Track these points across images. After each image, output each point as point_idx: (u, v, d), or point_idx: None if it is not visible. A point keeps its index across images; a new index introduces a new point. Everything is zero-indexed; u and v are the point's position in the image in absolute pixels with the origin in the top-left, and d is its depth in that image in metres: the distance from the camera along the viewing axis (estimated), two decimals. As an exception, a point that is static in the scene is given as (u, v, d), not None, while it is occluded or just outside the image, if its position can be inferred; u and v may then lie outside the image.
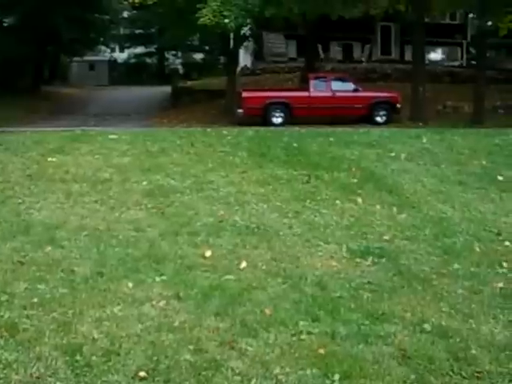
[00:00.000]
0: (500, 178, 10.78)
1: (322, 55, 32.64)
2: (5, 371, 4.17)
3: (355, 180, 10.27)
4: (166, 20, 27.92)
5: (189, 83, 35.98)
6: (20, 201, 8.59)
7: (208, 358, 4.43)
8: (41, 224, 7.54)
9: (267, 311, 5.22)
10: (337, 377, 4.23)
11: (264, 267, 6.36)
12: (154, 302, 5.34)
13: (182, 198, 8.91)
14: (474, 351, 4.65)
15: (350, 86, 22.57)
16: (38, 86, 35.48)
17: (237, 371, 4.27)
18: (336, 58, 33.38)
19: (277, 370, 4.30)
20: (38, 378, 4.13)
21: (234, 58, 27.29)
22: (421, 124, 20.38)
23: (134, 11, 41.39)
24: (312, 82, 22.49)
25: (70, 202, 8.60)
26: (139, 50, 51.02)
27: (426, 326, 5.04)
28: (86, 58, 44.51)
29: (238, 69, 30.33)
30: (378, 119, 21.87)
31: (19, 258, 6.37)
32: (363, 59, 34.17)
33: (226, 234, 7.39)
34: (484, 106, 22.72)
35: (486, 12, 23.33)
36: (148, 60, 52.53)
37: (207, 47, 46.36)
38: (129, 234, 7.30)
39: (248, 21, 22.41)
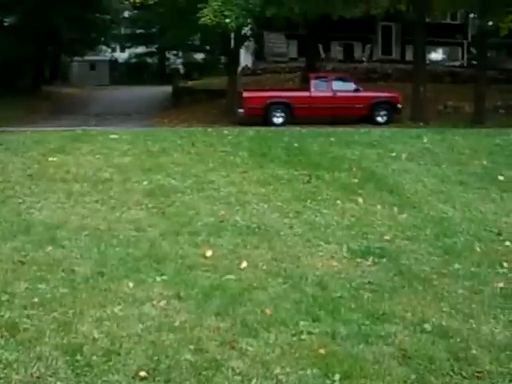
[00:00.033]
0: (501, 177, 10.78)
1: (322, 55, 32.63)
2: (5, 371, 4.18)
3: (356, 180, 10.27)
4: (167, 20, 27.93)
5: (190, 83, 35.99)
6: (20, 200, 8.59)
7: (208, 357, 4.43)
8: (41, 224, 7.55)
9: (268, 311, 5.22)
10: (337, 377, 4.23)
11: (265, 267, 6.36)
12: (154, 302, 5.34)
13: (183, 198, 8.92)
14: (474, 351, 4.65)
15: (351, 85, 22.56)
16: (38, 86, 35.49)
17: (237, 371, 4.27)
18: (337, 58, 33.36)
19: (277, 370, 4.30)
20: (38, 377, 4.13)
21: (234, 58, 27.28)
22: (422, 124, 20.37)
23: (135, 11, 41.41)
24: (313, 82, 22.48)
25: (71, 202, 8.60)
26: (140, 49, 51.02)
27: (427, 326, 5.05)
28: (87, 57, 44.49)
29: (239, 69, 30.34)
30: (379, 119, 21.86)
31: (20, 257, 6.38)
32: (364, 59, 34.15)
33: (227, 234, 7.40)
34: (485, 106, 22.71)
35: (486, 12, 23.32)
36: (149, 60, 52.51)
37: (208, 47, 46.35)
38: (129, 233, 7.30)
39: (249, 20, 22.40)
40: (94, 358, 4.36)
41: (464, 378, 4.31)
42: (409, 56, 29.75)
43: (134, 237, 7.19)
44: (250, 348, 4.59)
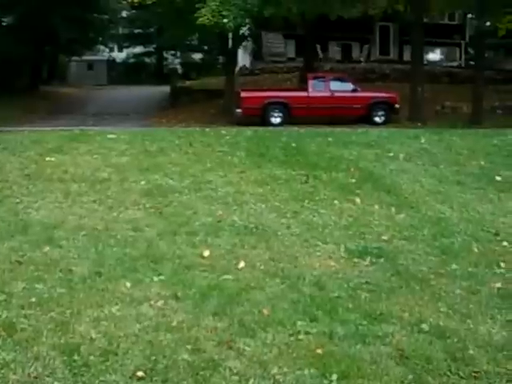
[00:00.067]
0: (498, 178, 10.79)
1: (320, 55, 32.64)
2: (2, 371, 4.17)
3: (353, 180, 10.27)
4: (165, 20, 27.93)
5: (187, 83, 35.97)
6: (18, 200, 8.58)
7: (206, 357, 4.43)
8: (39, 224, 7.54)
9: (265, 311, 5.22)
10: (334, 377, 4.23)
11: (262, 267, 6.36)
12: (152, 302, 5.34)
13: (181, 198, 8.91)
14: (471, 351, 4.66)
15: (349, 86, 22.60)
16: (36, 86, 35.47)
17: (234, 371, 4.27)
18: (335, 58, 33.39)
19: (274, 370, 4.30)
20: (35, 377, 4.12)
21: (232, 58, 27.29)
22: (419, 124, 20.39)
23: (133, 11, 41.41)
24: (311, 82, 22.50)
25: (69, 202, 8.59)
26: (138, 49, 51.01)
27: (424, 326, 5.05)
28: (85, 57, 44.54)
29: (237, 69, 30.34)
30: (377, 119, 21.89)
31: (17, 257, 6.37)
32: (362, 59, 34.18)
33: (225, 234, 7.39)
34: (482, 106, 22.73)
35: (484, 12, 23.34)
36: (147, 60, 52.52)
37: (206, 47, 46.37)
38: (127, 233, 7.30)
39: (247, 20, 22.44)
40: (92, 357, 4.36)
41: (461, 378, 4.31)
42: (407, 56, 29.82)
43: (132, 237, 7.19)
44: (247, 348, 4.59)
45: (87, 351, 4.44)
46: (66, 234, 7.19)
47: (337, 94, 21.93)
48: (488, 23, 23.76)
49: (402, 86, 23.49)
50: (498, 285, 6.04)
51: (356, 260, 6.70)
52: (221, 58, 38.28)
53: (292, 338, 4.77)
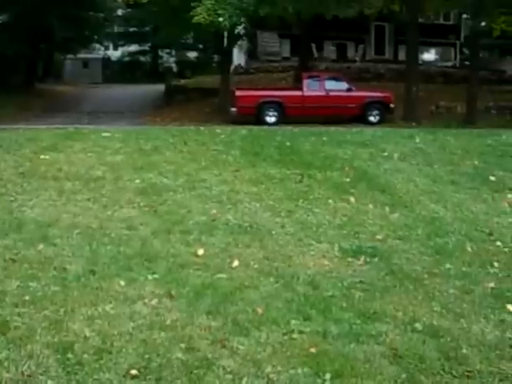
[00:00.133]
0: (492, 178, 10.82)
1: (315, 54, 32.65)
2: (-4, 369, 4.17)
3: (348, 179, 10.29)
4: (161, 18, 27.89)
5: (182, 81, 35.91)
6: (12, 198, 8.56)
7: (200, 356, 4.43)
8: (33, 222, 7.53)
9: (259, 310, 5.22)
10: (328, 376, 4.24)
11: (256, 266, 6.36)
12: (146, 301, 5.34)
13: (175, 197, 8.91)
14: (464, 350, 4.67)
15: (344, 85, 22.62)
16: (31, 84, 35.36)
17: (228, 370, 4.28)
18: (330, 58, 33.40)
19: (268, 369, 4.30)
20: (29, 376, 4.12)
21: (227, 57, 27.28)
22: (414, 124, 20.44)
23: (129, 9, 41.27)
24: (305, 82, 22.51)
25: (63, 200, 8.58)
26: (133, 48, 50.91)
27: (418, 326, 5.06)
28: (80, 55, 44.37)
29: (232, 67, 30.32)
30: (371, 119, 21.93)
31: (11, 255, 6.36)
32: (357, 59, 34.20)
33: (219, 233, 7.40)
34: (477, 106, 22.80)
35: (479, 13, 23.42)
36: (142, 58, 52.42)
37: (201, 46, 46.32)
38: (121, 232, 7.29)
39: (242, 20, 22.42)
40: (85, 356, 4.36)
41: (454, 377, 4.33)
42: (402, 56, 29.82)
43: (126, 235, 7.18)
44: (241, 347, 4.60)
45: (81, 349, 4.44)
46: (60, 232, 7.18)
47: (331, 94, 21.96)
48: (483, 23, 23.84)
49: (396, 86, 23.54)
50: (492, 284, 6.06)
51: (350, 259, 6.71)
52: (216, 57, 38.28)
53: (286, 337, 4.77)
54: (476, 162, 12.01)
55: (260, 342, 4.67)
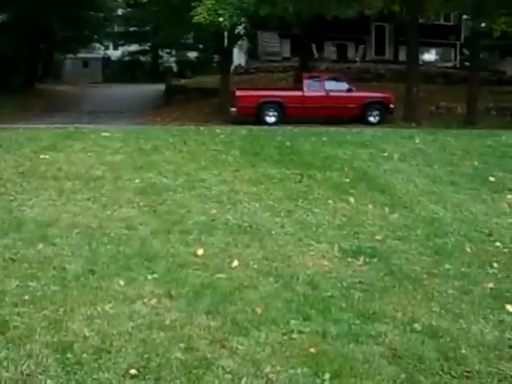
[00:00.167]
0: (492, 178, 10.82)
1: (316, 55, 32.66)
2: (-5, 368, 4.17)
3: (348, 180, 10.29)
4: (161, 18, 27.90)
5: (182, 81, 35.94)
6: (12, 198, 8.57)
7: (199, 356, 4.43)
8: (33, 221, 7.53)
9: (258, 310, 5.22)
10: (327, 376, 4.24)
11: (256, 266, 6.36)
12: (145, 300, 5.34)
13: (175, 196, 8.91)
14: (463, 351, 4.67)
15: (344, 85, 22.62)
16: (31, 83, 35.35)
17: (227, 370, 4.28)
18: (330, 58, 33.41)
19: (267, 369, 4.30)
20: (28, 375, 4.12)
21: (228, 57, 27.29)
22: (414, 124, 20.43)
23: (129, 9, 41.30)
24: (306, 82, 22.51)
25: (62, 200, 8.58)
26: (133, 47, 50.92)
27: (417, 326, 5.06)
28: (80, 55, 44.38)
29: (232, 67, 30.34)
30: (372, 119, 21.93)
31: (11, 255, 6.36)
32: (357, 59, 34.21)
33: (218, 233, 7.40)
34: (477, 107, 22.81)
35: (480, 13, 23.43)
36: (142, 58, 52.43)
37: (201, 45, 46.33)
38: (121, 231, 7.29)
39: (242, 19, 22.42)
40: (85, 355, 4.36)
41: (453, 377, 4.33)
42: (402, 56, 29.83)
43: (126, 235, 7.19)
44: (240, 347, 4.60)
45: (80, 349, 4.44)
46: (59, 231, 7.18)
47: (332, 94, 21.96)
48: (483, 24, 23.83)
49: (397, 86, 23.55)
50: (491, 285, 6.06)
51: (349, 259, 6.71)
52: (216, 57, 38.28)
53: (285, 337, 4.78)
54: (476, 163, 12.01)
55: (259, 342, 4.67)
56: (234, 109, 21.58)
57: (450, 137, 14.92)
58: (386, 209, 8.77)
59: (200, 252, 6.65)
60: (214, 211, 8.25)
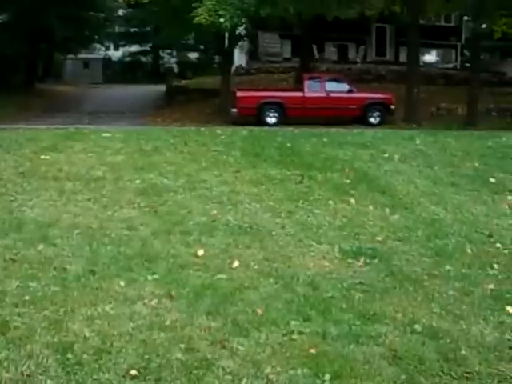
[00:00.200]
0: (492, 180, 10.82)
1: (316, 56, 32.68)
2: (-5, 369, 4.17)
3: (348, 181, 10.29)
4: (162, 19, 27.92)
5: (183, 82, 35.96)
6: (12, 198, 8.57)
7: (199, 357, 4.43)
8: (33, 222, 7.53)
9: (259, 311, 5.22)
10: (327, 377, 4.24)
11: (256, 267, 6.36)
12: (145, 301, 5.34)
13: (175, 197, 8.91)
14: (464, 352, 4.67)
15: (345, 86, 22.63)
16: (31, 84, 35.36)
17: (228, 370, 4.28)
18: (331, 59, 33.42)
19: (268, 370, 4.30)
20: (28, 375, 4.12)
21: (228, 58, 27.31)
22: (414, 125, 20.43)
23: (130, 9, 41.32)
24: (306, 83, 22.53)
25: (63, 200, 8.58)
26: (134, 48, 50.93)
27: (417, 327, 5.06)
28: (81, 55, 44.36)
29: (233, 68, 30.35)
30: (372, 120, 21.93)
31: (11, 255, 6.36)
32: (358, 60, 34.22)
33: (219, 234, 7.40)
34: (477, 108, 22.82)
35: (480, 15, 23.44)
36: (143, 58, 52.44)
37: (202, 46, 46.36)
38: (121, 232, 7.30)
39: (243, 20, 22.44)
40: (85, 356, 4.36)
41: (453, 378, 4.33)
42: (403, 57, 29.87)
43: (126, 235, 7.19)
44: (240, 347, 4.60)
45: (80, 350, 4.44)
46: (60, 232, 7.18)
47: (332, 95, 21.97)
48: (484, 25, 23.84)
49: (397, 87, 23.56)
50: (491, 286, 6.07)
51: (350, 260, 6.71)
52: (217, 58, 38.27)
53: (285, 338, 4.78)
54: (476, 164, 12.01)
55: (260, 343, 4.67)
56: (234, 109, 21.59)
57: (451, 138, 14.92)
58: (387, 210, 8.77)
59: (200, 253, 6.65)
60: (215, 212, 8.25)
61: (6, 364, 4.22)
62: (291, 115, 21.11)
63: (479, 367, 4.47)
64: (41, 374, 4.14)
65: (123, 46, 51.24)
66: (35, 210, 8.10)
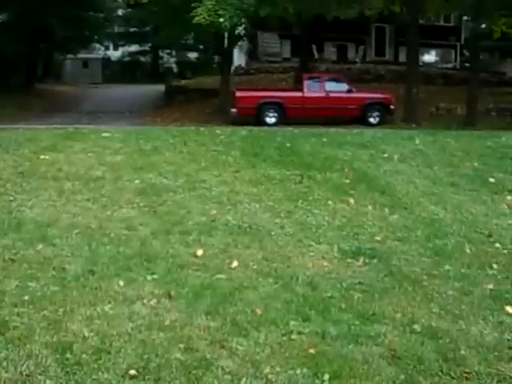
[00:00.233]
0: (492, 180, 10.83)
1: (316, 55, 32.68)
2: (-5, 369, 4.17)
3: (348, 181, 10.29)
4: (161, 18, 27.93)
5: (183, 82, 35.95)
6: (11, 198, 8.56)
7: (198, 356, 4.43)
8: (32, 222, 7.53)
9: (258, 311, 5.22)
10: (327, 377, 4.24)
11: (255, 267, 6.37)
12: (145, 301, 5.34)
13: (175, 197, 8.91)
14: (463, 352, 4.68)
15: (344, 86, 22.62)
16: (31, 83, 35.35)
17: (227, 370, 4.28)
18: (330, 59, 33.42)
19: (267, 370, 4.30)
20: (28, 375, 4.12)
21: (228, 58, 27.29)
22: (414, 125, 20.43)
23: (129, 9, 41.31)
24: (306, 83, 22.52)
25: (62, 200, 8.58)
26: (133, 48, 50.93)
27: (416, 327, 5.06)
28: (80, 55, 44.36)
29: (232, 68, 30.34)
30: (372, 120, 21.93)
31: (10, 255, 6.36)
32: (357, 60, 34.22)
33: (218, 234, 7.40)
34: (477, 108, 22.81)
35: (480, 14, 23.44)
36: (142, 58, 52.44)
37: (202, 46, 46.34)
38: (121, 232, 7.29)
39: (243, 20, 22.44)
40: (84, 356, 4.36)
41: (452, 378, 4.33)
42: (402, 57, 29.84)
43: (125, 235, 7.19)
44: (239, 347, 4.60)
45: (80, 349, 4.44)
46: (59, 232, 7.18)
47: (332, 95, 21.97)
48: (483, 25, 23.85)
49: (397, 87, 23.57)
50: (490, 286, 6.07)
51: (349, 260, 6.72)
52: (216, 58, 38.29)
53: (285, 338, 4.78)
54: (476, 164, 12.01)
55: (259, 343, 4.68)
56: (234, 109, 21.59)
57: (450, 138, 14.91)
58: (386, 210, 8.77)
59: (200, 253, 6.65)
60: (214, 212, 8.25)
61: (5, 364, 4.22)
62: (291, 115, 21.11)
63: (478, 367, 4.47)
64: (40, 374, 4.14)
65: (122, 45, 51.24)
66: (34, 209, 8.10)
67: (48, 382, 4.07)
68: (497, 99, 25.14)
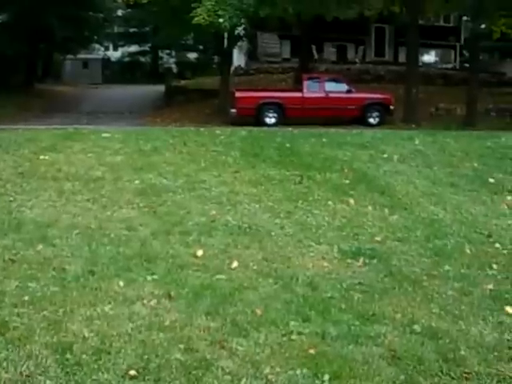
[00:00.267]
0: (491, 180, 10.83)
1: (315, 56, 32.69)
2: (-5, 369, 4.17)
3: (347, 181, 10.29)
4: (161, 19, 27.92)
5: (182, 82, 35.96)
6: (11, 198, 8.56)
7: (198, 357, 4.44)
8: (32, 222, 7.53)
9: (258, 311, 5.22)
10: (327, 377, 4.24)
11: (255, 267, 6.37)
12: (145, 301, 5.34)
13: (174, 198, 8.91)
14: (463, 352, 4.68)
15: (344, 87, 22.63)
16: (31, 84, 35.34)
17: (227, 371, 4.28)
18: (330, 59, 33.44)
19: (267, 370, 4.31)
20: (28, 376, 4.12)
21: (227, 58, 27.30)
22: (413, 126, 20.43)
23: (129, 10, 41.32)
24: (305, 83, 22.53)
25: (62, 201, 8.58)
26: (133, 48, 50.95)
27: (416, 327, 5.07)
28: (80, 56, 44.36)
29: (232, 68, 30.34)
30: (371, 120, 21.93)
31: (10, 255, 6.36)
32: (357, 60, 34.23)
33: (218, 234, 7.40)
34: (476, 108, 22.82)
35: (479, 15, 23.45)
36: (142, 59, 52.47)
37: (201, 46, 46.35)
38: (120, 232, 7.30)
39: (242, 20, 22.44)
40: (84, 356, 4.36)
41: (452, 378, 4.33)
42: (402, 58, 29.85)
43: (125, 236, 7.19)
44: (239, 348, 4.60)
45: (80, 350, 4.44)
46: (59, 232, 7.18)
47: (331, 95, 21.97)
48: (483, 26, 23.86)
49: (396, 88, 23.58)
50: (490, 286, 6.07)
51: (349, 261, 6.72)
52: (216, 58, 38.32)
53: (285, 338, 4.78)
54: (475, 164, 12.01)
55: (259, 343, 4.68)
56: (233, 110, 21.59)
57: (450, 138, 14.91)
58: (386, 210, 8.77)
59: (200, 253, 6.66)
60: (214, 212, 8.25)
61: (5, 364, 4.22)
62: (290, 115, 21.12)
63: (478, 367, 4.47)
64: (40, 375, 4.14)
65: (122, 46, 51.26)
66: (34, 210, 8.10)
67: (48, 382, 4.07)
68: (496, 99, 25.15)
